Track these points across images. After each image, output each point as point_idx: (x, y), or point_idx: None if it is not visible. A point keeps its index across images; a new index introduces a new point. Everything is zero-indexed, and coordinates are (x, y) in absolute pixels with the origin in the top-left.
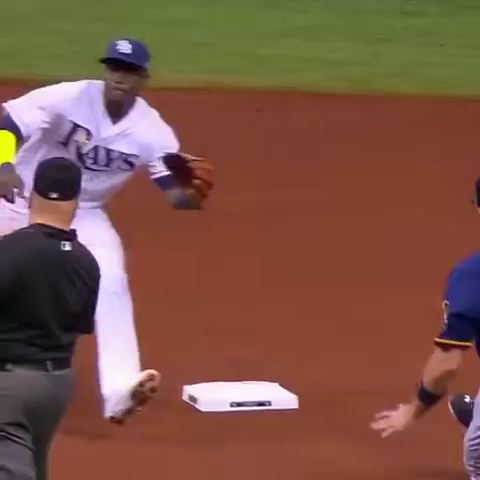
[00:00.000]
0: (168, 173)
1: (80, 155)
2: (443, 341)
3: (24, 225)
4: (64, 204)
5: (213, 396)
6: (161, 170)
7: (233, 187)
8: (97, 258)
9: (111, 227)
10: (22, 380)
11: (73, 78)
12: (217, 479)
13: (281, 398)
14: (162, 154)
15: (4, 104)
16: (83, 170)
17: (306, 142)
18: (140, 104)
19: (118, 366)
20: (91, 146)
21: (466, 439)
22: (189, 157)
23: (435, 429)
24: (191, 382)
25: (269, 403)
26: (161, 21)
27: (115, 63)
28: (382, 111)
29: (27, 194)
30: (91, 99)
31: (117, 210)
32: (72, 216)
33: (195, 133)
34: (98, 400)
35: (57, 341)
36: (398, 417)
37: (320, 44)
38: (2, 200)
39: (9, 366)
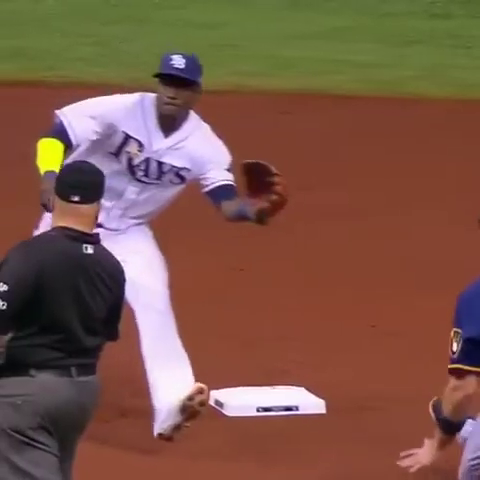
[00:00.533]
0: (224, 184)
1: (131, 166)
2: (458, 367)
3: None
4: (85, 207)
5: (240, 401)
6: (213, 182)
7: None
8: (140, 275)
9: (155, 245)
10: (45, 386)
11: (97, 80)
12: None
13: (308, 403)
14: (243, 161)
15: (57, 111)
16: (134, 182)
17: (331, 144)
18: (192, 118)
19: (167, 381)
20: (143, 158)
21: (465, 457)
22: (273, 169)
23: None
24: (218, 387)
25: (296, 408)
26: (186, 23)
27: (169, 78)
28: (408, 113)
29: None
30: (144, 111)
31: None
32: (94, 219)
33: (221, 135)
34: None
35: (81, 346)
36: (424, 453)
37: (347, 46)
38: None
39: (32, 372)
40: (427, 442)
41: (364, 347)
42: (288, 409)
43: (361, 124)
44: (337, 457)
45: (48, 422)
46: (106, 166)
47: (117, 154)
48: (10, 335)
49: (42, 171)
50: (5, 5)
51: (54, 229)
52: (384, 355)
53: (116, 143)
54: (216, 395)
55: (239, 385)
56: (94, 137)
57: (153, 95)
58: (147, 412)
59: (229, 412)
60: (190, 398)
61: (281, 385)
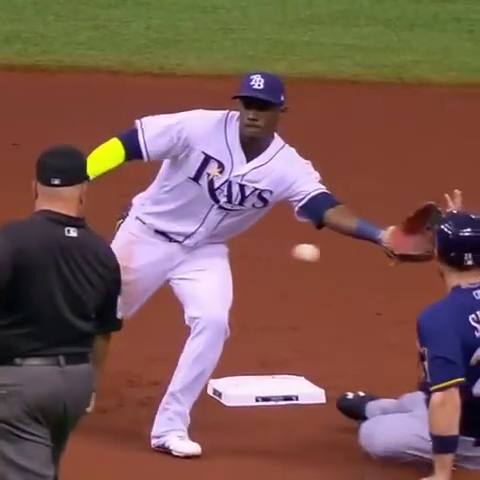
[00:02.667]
0: (319, 192)
1: (213, 191)
2: (439, 387)
3: (143, 248)
4: (67, 190)
5: (238, 390)
6: (306, 194)
7: None
8: (203, 293)
9: (228, 266)
10: (32, 375)
11: (94, 64)
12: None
13: (308, 392)
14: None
15: (137, 121)
16: (216, 210)
17: (333, 130)
18: (277, 141)
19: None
20: (224, 180)
21: (393, 439)
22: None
23: None
24: (216, 376)
25: (296, 398)
26: (186, 6)
27: (248, 100)
28: (411, 98)
29: None
30: (227, 131)
31: None
32: (78, 202)
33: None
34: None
35: (70, 333)
36: None
37: (349, 30)
38: (126, 222)
39: (18, 360)
40: (437, 476)
41: (368, 336)
42: (287, 399)
43: (363, 109)
44: (337, 448)
45: (37, 412)
46: (187, 193)
47: (197, 178)
48: None
49: None
50: None
51: (36, 212)
52: (386, 346)
53: (195, 165)
54: (214, 384)
55: (238, 374)
56: (170, 154)
57: (237, 113)
58: (144, 403)
59: (227, 402)
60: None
61: (281, 374)
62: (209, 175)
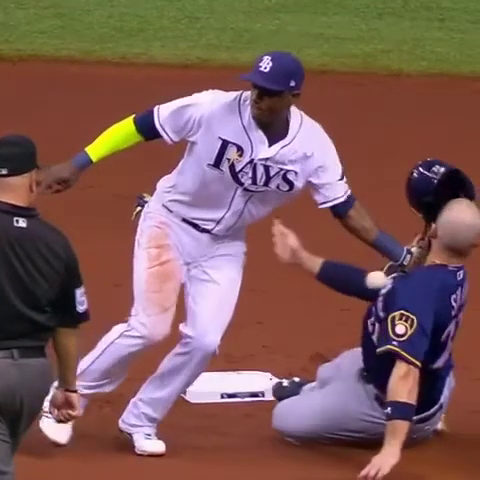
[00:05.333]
0: (342, 201)
1: (235, 174)
2: (404, 355)
3: (175, 229)
4: (15, 179)
5: (203, 387)
6: (328, 200)
7: None
8: (202, 312)
9: (239, 275)
10: None
11: (55, 53)
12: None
13: None
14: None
15: (154, 108)
16: (241, 192)
17: None
18: (295, 119)
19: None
20: (245, 162)
21: (302, 417)
22: None
23: None
24: None
25: (262, 394)
26: None
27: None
28: (381, 88)
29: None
30: (241, 113)
31: None
32: (28, 191)
33: None
34: None
35: (24, 327)
36: (387, 456)
37: (317, 19)
38: (151, 208)
39: None
40: (386, 449)
41: (334, 332)
42: (254, 395)
43: (332, 100)
44: (305, 445)
45: None
46: (210, 179)
47: (217, 164)
48: None
49: (87, 148)
50: None
51: None
52: (354, 340)
53: (214, 151)
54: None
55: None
56: (187, 135)
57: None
58: (113, 400)
59: (192, 399)
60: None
61: (246, 370)
62: (229, 160)
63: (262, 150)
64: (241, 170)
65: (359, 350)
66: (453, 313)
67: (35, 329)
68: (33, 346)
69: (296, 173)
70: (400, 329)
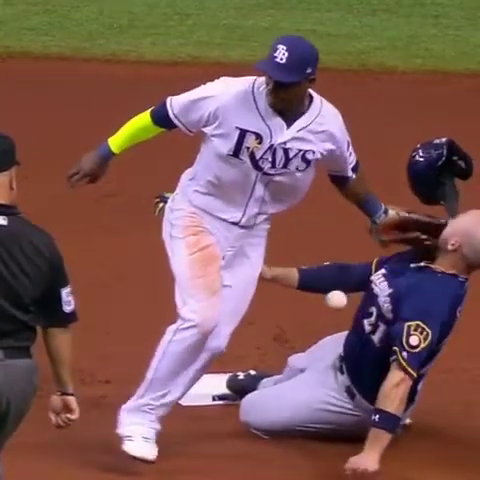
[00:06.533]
0: (351, 174)
1: (256, 162)
2: (412, 372)
3: (206, 221)
4: None
5: (194, 389)
6: (340, 172)
7: None
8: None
9: (257, 272)
10: None
11: (44, 51)
12: None
13: None
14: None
15: (167, 100)
16: (261, 177)
17: None
18: (314, 100)
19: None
20: (265, 148)
21: (271, 411)
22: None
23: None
24: None
25: None
26: None
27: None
28: (374, 86)
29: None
30: (257, 101)
31: None
32: (8, 188)
33: None
34: None
35: (7, 325)
36: (368, 460)
37: (310, 15)
38: (177, 201)
39: None
40: (367, 451)
41: (330, 333)
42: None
43: (324, 97)
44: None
45: None
46: (231, 169)
47: (237, 153)
48: None
49: (109, 139)
50: None
51: None
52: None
53: (233, 141)
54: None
55: None
56: (202, 125)
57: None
58: (97, 402)
59: (183, 401)
60: None
61: (238, 372)
62: (248, 148)
63: (281, 134)
64: (261, 157)
65: (334, 340)
66: (455, 323)
67: (20, 329)
68: (18, 346)
69: (314, 152)
70: (414, 340)
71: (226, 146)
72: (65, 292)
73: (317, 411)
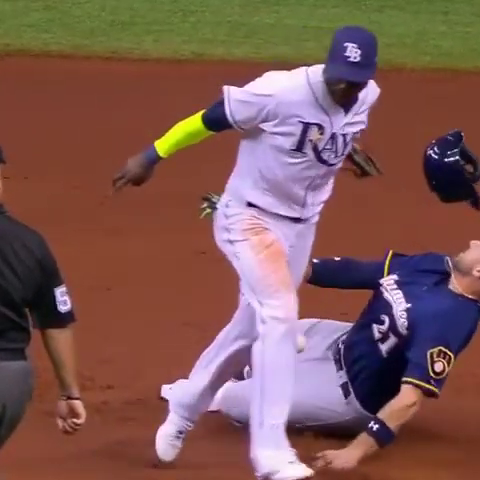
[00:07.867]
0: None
1: (319, 154)
2: (436, 392)
3: (266, 222)
4: None
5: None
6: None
7: None
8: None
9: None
10: None
11: (44, 48)
12: None
13: None
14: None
15: (224, 90)
16: (323, 168)
17: None
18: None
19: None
20: (326, 139)
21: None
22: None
23: None
24: (169, 380)
25: None
26: None
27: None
28: (382, 83)
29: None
30: (315, 92)
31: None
32: None
33: (180, 107)
34: None
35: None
36: (348, 456)
37: (317, 12)
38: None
39: None
40: (351, 449)
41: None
42: None
43: None
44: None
45: None
46: (293, 166)
47: (300, 147)
48: None
49: (156, 143)
50: None
51: None
52: None
53: (295, 135)
54: (167, 388)
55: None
56: (258, 123)
57: (318, 68)
58: (99, 408)
59: None
60: None
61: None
62: (312, 141)
63: (340, 121)
64: (324, 148)
65: (325, 328)
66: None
67: (10, 328)
68: (12, 348)
69: (363, 128)
70: (439, 366)
71: (288, 141)
72: (59, 291)
73: (305, 405)
